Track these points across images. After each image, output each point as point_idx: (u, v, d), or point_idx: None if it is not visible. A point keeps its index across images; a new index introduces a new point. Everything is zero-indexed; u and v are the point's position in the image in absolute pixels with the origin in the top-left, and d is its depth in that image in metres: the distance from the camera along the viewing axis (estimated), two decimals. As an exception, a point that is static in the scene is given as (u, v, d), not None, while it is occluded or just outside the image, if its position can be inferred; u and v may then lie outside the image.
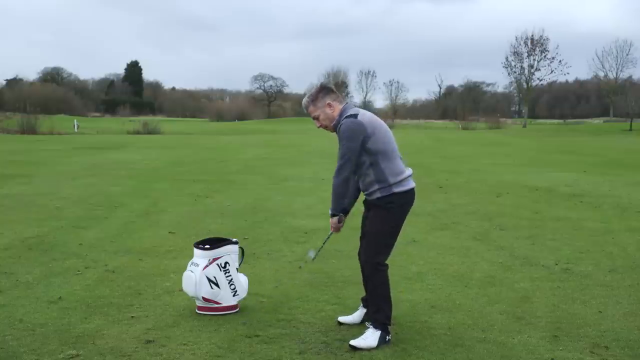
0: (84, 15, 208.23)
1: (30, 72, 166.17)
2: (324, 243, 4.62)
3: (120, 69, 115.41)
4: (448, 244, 7.00)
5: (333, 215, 4.10)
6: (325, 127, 4.12)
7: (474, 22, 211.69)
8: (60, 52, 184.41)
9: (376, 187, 3.99)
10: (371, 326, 3.96)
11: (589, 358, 3.77)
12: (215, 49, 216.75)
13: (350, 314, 4.39)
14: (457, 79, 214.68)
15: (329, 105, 4.06)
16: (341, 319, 4.35)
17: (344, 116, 3.98)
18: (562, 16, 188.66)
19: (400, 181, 4.00)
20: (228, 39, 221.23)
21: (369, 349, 3.83)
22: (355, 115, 3.95)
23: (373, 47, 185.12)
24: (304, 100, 4.14)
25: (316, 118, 4.11)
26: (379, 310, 4.00)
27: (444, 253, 6.55)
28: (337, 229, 4.18)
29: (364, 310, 4.33)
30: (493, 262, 6.19)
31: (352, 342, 3.87)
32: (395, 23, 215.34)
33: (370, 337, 3.90)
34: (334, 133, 4.14)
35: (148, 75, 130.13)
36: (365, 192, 4.10)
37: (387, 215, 3.99)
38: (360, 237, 4.28)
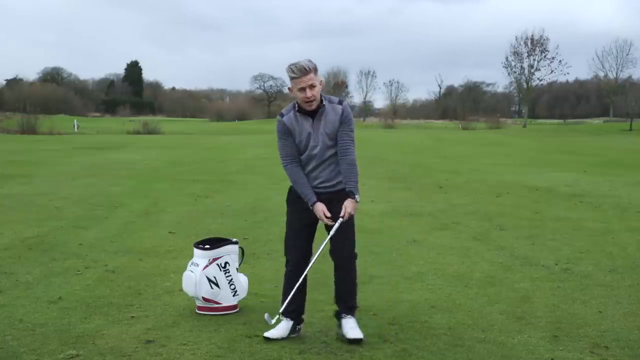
0: (90, 15, 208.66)
1: (30, 72, 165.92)
2: (334, 230, 4.14)
3: (120, 69, 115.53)
4: (448, 244, 6.99)
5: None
6: (311, 102, 3.91)
7: (479, 22, 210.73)
8: (64, 52, 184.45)
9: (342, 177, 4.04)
10: (350, 315, 4.03)
11: (589, 358, 3.77)
12: (220, 49, 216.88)
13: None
14: (457, 79, 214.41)
15: (321, 82, 3.97)
16: (268, 334, 4.02)
17: (338, 100, 4.03)
18: (568, 15, 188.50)
19: None
20: (232, 39, 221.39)
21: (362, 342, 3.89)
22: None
23: (376, 47, 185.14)
24: (309, 63, 3.85)
25: (313, 86, 3.88)
26: (354, 297, 4.09)
27: (444, 253, 6.55)
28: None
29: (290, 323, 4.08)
30: (493, 262, 6.19)
31: (355, 336, 3.90)
32: (400, 22, 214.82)
33: (357, 326, 4.00)
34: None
35: (148, 75, 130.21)
36: (330, 183, 4.02)
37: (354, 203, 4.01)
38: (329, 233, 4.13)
